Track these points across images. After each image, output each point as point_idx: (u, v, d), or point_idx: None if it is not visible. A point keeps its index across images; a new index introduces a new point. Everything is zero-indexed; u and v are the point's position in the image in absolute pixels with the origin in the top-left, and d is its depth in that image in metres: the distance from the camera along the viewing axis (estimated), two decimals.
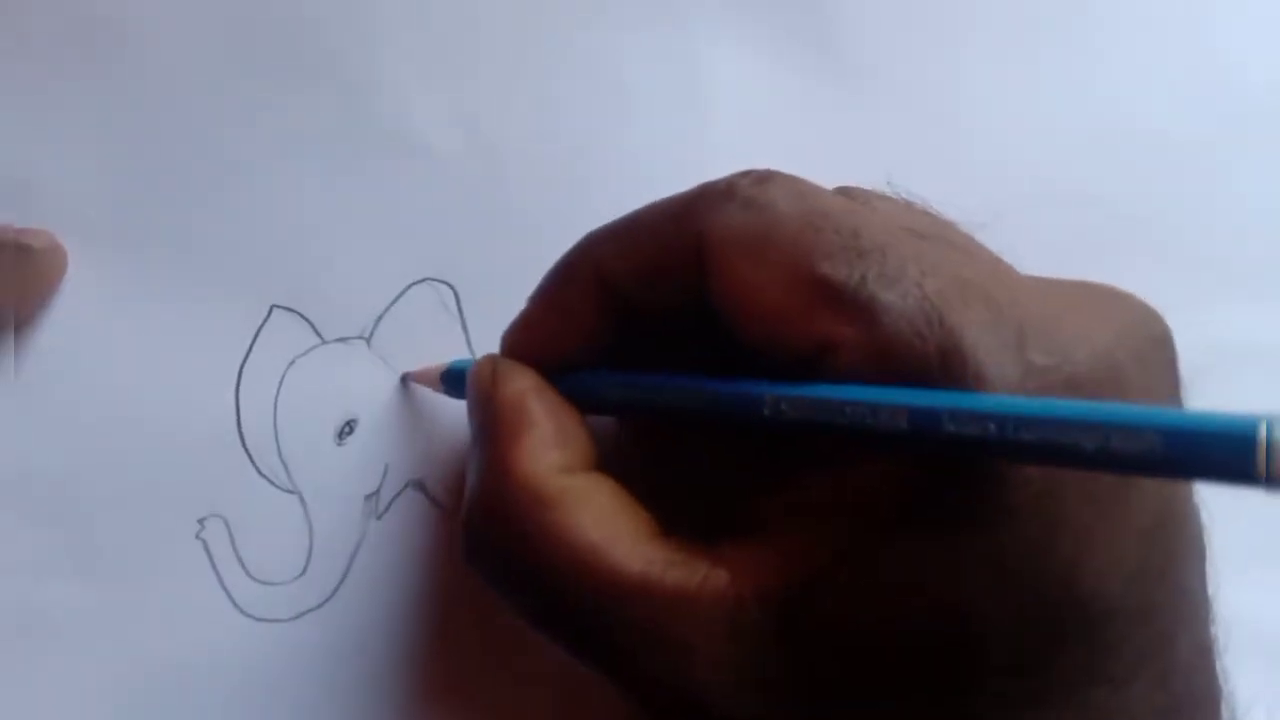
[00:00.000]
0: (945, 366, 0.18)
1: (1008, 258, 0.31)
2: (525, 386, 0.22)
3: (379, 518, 0.27)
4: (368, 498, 0.27)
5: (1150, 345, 0.20)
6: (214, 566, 0.26)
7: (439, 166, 0.28)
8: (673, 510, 0.21)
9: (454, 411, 0.28)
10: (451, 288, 0.28)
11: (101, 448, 0.26)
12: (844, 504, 0.19)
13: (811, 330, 0.19)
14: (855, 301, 0.18)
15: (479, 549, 0.21)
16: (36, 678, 0.25)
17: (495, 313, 0.28)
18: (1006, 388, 0.18)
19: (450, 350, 0.28)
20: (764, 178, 0.21)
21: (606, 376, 0.22)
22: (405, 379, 0.28)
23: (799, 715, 0.19)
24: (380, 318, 0.28)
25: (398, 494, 0.28)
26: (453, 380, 0.26)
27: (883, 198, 0.23)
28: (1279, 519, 0.31)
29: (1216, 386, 0.31)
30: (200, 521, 0.26)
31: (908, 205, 0.23)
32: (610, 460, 0.22)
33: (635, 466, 0.22)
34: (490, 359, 0.23)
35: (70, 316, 0.26)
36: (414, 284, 0.28)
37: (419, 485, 0.28)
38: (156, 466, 0.26)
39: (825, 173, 0.31)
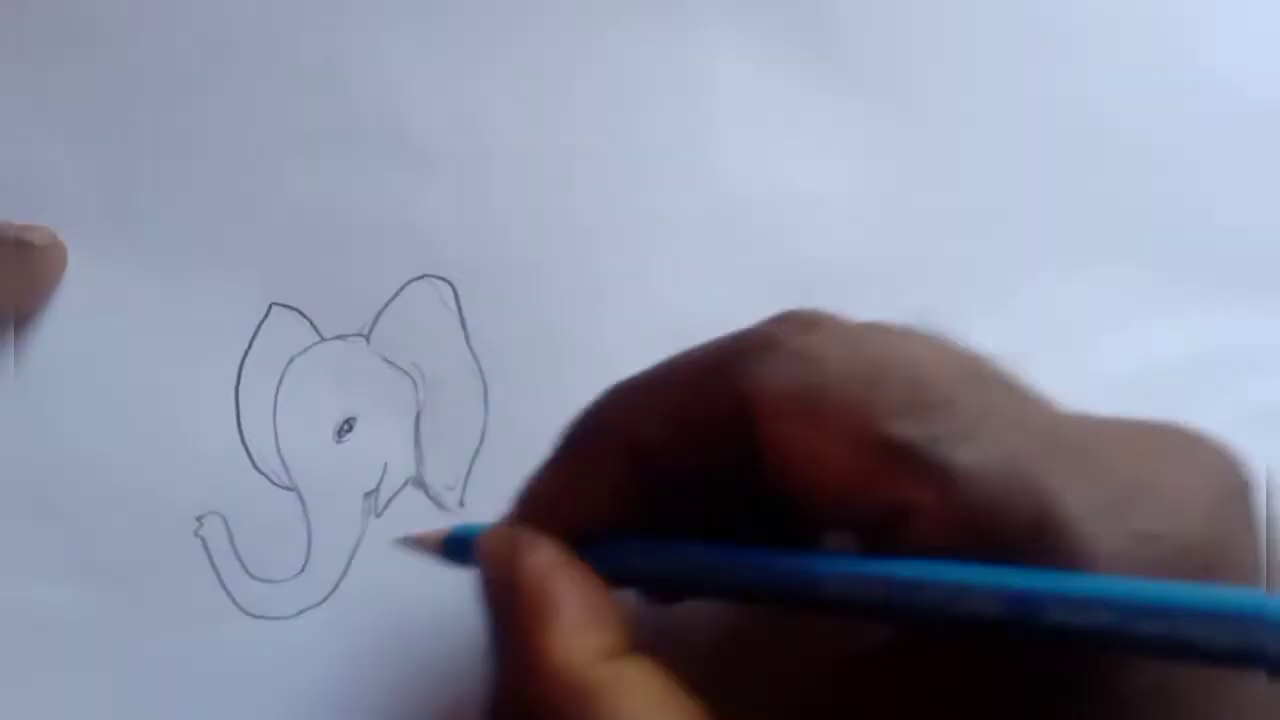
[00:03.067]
0: (1039, 538, 0.16)
1: (1008, 259, 0.31)
2: (549, 561, 0.20)
3: (378, 515, 0.27)
4: (367, 495, 0.27)
5: (1240, 498, 0.18)
6: (213, 564, 0.26)
7: (438, 165, 0.28)
8: (717, 689, 0.19)
9: (453, 411, 0.28)
10: (450, 284, 0.28)
11: (101, 445, 0.26)
12: (919, 693, 0.17)
13: (881, 497, 0.17)
14: (930, 463, 0.16)
15: None
16: (36, 678, 0.25)
17: (494, 310, 0.28)
18: (1112, 563, 0.15)
19: (449, 348, 0.28)
20: (809, 324, 0.19)
21: (640, 546, 0.20)
22: (403, 543, 0.25)
23: None
24: (379, 315, 0.28)
25: (397, 492, 0.28)
26: (456, 549, 0.23)
27: (901, 326, 0.20)
28: None
29: (1216, 387, 0.32)
30: (198, 519, 0.26)
31: (946, 341, 0.20)
32: (649, 631, 0.20)
33: (679, 640, 0.21)
34: (505, 530, 0.21)
35: (70, 313, 0.26)
36: (412, 281, 0.28)
37: (418, 483, 0.28)
38: (156, 464, 0.26)
39: (824, 172, 0.31)
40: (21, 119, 0.26)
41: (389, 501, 0.27)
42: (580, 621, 0.19)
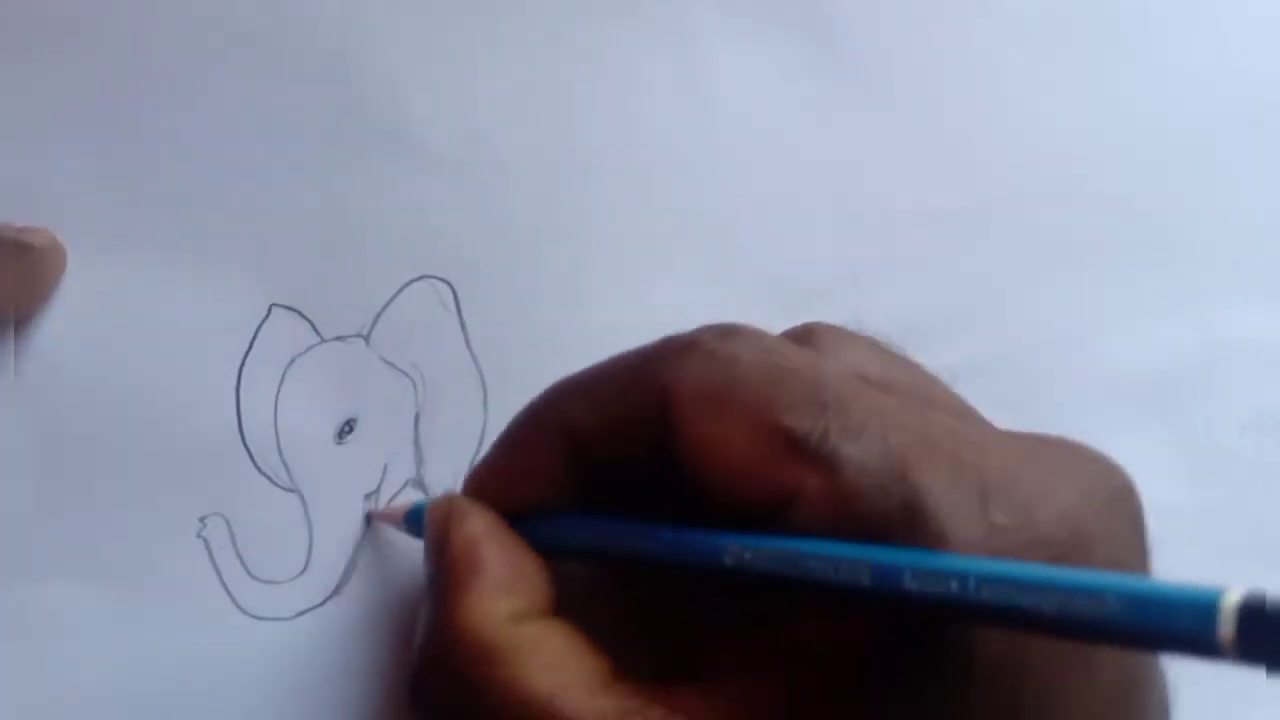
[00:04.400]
0: (908, 523, 0.18)
1: (1010, 257, 0.31)
2: (479, 530, 0.22)
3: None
4: (367, 496, 0.27)
5: (1113, 501, 0.20)
6: (215, 565, 0.26)
7: (438, 165, 0.28)
8: (635, 649, 0.21)
9: (452, 412, 0.28)
10: (450, 285, 0.28)
11: (101, 446, 0.26)
12: (802, 654, 0.19)
13: (775, 481, 0.19)
14: (819, 453, 0.19)
15: (427, 701, 0.21)
16: (36, 678, 0.25)
17: (493, 310, 0.28)
18: (968, 547, 0.18)
19: (448, 349, 0.28)
20: (728, 332, 0.21)
21: (569, 520, 0.22)
22: (370, 518, 0.27)
23: None
24: (379, 315, 0.28)
25: (397, 493, 0.28)
26: (417, 521, 0.25)
27: (849, 336, 0.23)
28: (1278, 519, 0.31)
29: (1218, 386, 0.32)
30: (201, 520, 0.26)
31: (872, 346, 0.23)
32: (577, 597, 0.22)
33: (600, 605, 0.22)
34: (447, 499, 0.23)
35: (70, 315, 0.26)
36: (412, 281, 0.28)
37: (418, 484, 0.28)
38: (157, 465, 0.26)
39: (826, 169, 0.31)
40: (21, 119, 0.26)
41: (389, 502, 0.27)
42: (500, 584, 0.21)
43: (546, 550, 0.22)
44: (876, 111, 0.31)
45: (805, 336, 0.23)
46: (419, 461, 0.28)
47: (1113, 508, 0.20)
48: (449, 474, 0.28)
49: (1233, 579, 0.28)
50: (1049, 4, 0.32)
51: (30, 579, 0.26)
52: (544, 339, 0.29)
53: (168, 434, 0.26)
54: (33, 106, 0.26)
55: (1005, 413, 0.22)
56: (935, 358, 0.30)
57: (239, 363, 0.27)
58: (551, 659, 0.20)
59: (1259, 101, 0.33)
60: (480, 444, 0.28)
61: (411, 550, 0.27)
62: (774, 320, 0.30)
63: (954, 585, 0.17)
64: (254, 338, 0.27)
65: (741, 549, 0.19)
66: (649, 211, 0.30)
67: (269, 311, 0.27)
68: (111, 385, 0.26)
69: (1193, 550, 0.30)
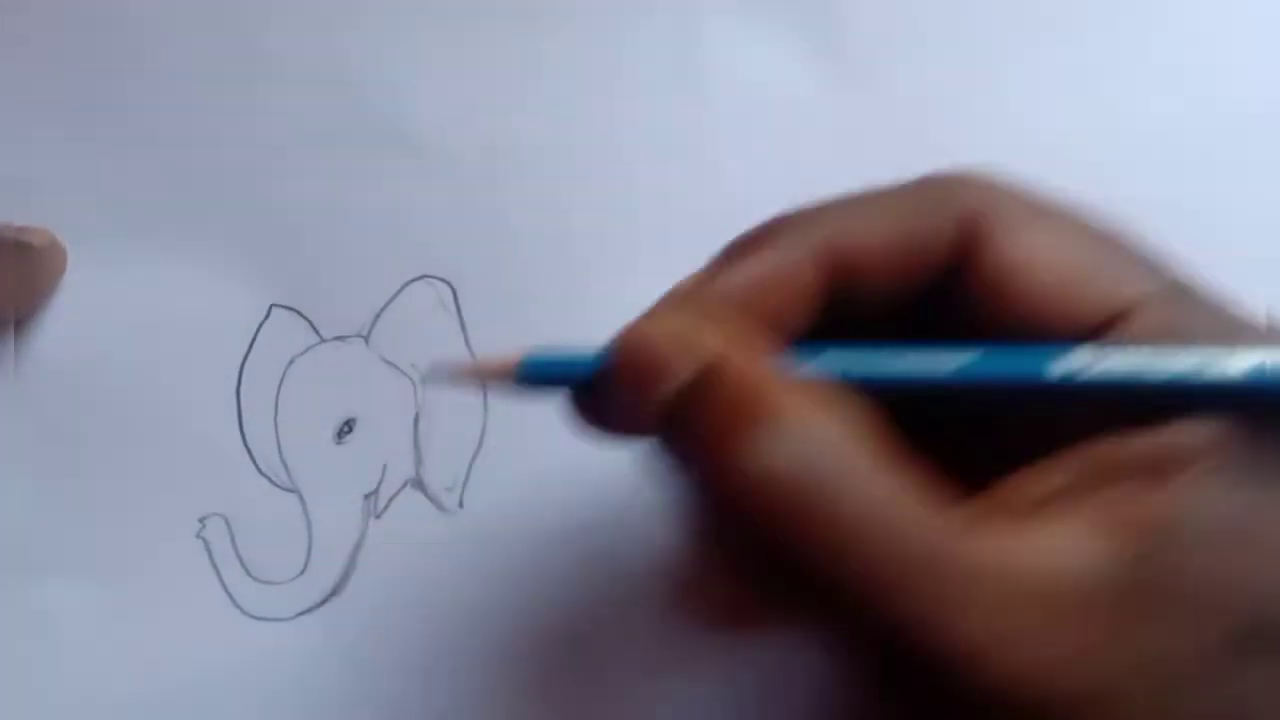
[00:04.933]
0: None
1: None
2: (760, 365, 0.17)
3: (378, 516, 0.27)
4: (367, 497, 0.27)
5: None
6: (214, 565, 0.26)
7: (437, 165, 0.28)
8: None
9: (452, 412, 0.28)
10: (449, 285, 0.28)
11: (101, 446, 0.26)
12: (1168, 462, 0.17)
13: (1111, 292, 0.18)
14: (1158, 262, 0.17)
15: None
16: (36, 678, 0.25)
17: (493, 310, 0.28)
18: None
19: (448, 347, 0.28)
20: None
21: (826, 349, 0.18)
22: (433, 375, 0.25)
23: (1137, 692, 0.16)
24: (379, 315, 0.28)
25: (396, 493, 0.28)
26: (539, 373, 0.20)
27: None
28: None
29: None
30: (201, 520, 0.26)
31: None
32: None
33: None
34: (668, 328, 0.19)
35: (69, 314, 0.26)
36: (411, 281, 0.28)
37: (417, 484, 0.28)
38: (157, 465, 0.26)
39: (826, 168, 0.31)
40: (21, 119, 0.26)
41: (389, 503, 0.27)
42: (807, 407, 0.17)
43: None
44: (876, 110, 0.31)
45: None
46: (418, 462, 0.28)
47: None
48: (449, 474, 0.28)
49: None
50: (1050, 3, 0.32)
51: (30, 579, 0.26)
52: (544, 339, 0.28)
53: (168, 434, 0.26)
54: (32, 106, 0.26)
55: None
56: None
57: (239, 363, 0.27)
58: (873, 473, 0.16)
59: (1259, 101, 0.33)
60: (480, 444, 0.28)
61: (412, 549, 0.27)
62: None
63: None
64: (254, 338, 0.27)
65: (1095, 354, 0.17)
66: (649, 211, 0.30)
67: (269, 311, 0.27)
68: (111, 385, 0.26)
69: None
